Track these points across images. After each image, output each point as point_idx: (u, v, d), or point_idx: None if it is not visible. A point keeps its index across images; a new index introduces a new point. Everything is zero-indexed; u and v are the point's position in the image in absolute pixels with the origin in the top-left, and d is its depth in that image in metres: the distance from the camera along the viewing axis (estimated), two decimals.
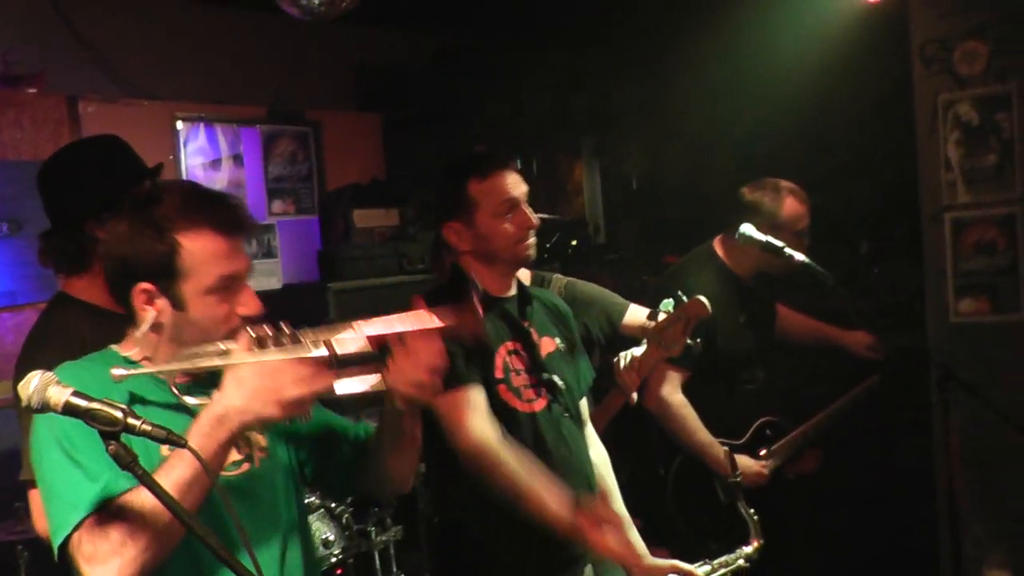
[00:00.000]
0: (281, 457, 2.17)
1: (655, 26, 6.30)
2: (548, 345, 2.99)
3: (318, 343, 1.89)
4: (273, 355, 1.86)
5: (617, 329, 3.55)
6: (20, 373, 1.83)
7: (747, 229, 3.83)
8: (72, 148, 3.16)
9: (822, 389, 4.40)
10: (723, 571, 3.05)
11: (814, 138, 5.89)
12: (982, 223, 4.56)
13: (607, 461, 3.16)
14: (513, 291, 3.01)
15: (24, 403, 1.65)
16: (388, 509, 4.45)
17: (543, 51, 6.89)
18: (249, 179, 6.03)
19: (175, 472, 1.76)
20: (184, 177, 5.64)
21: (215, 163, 5.85)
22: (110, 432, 1.63)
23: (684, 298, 3.05)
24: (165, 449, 1.83)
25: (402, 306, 2.07)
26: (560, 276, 3.71)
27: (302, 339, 1.89)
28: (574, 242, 6.34)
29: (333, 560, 4.16)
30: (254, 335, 1.89)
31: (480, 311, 2.12)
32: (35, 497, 2.37)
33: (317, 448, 2.25)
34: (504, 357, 2.85)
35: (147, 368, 1.97)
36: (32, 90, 4.95)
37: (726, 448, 3.47)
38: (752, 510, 3.12)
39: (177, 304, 1.97)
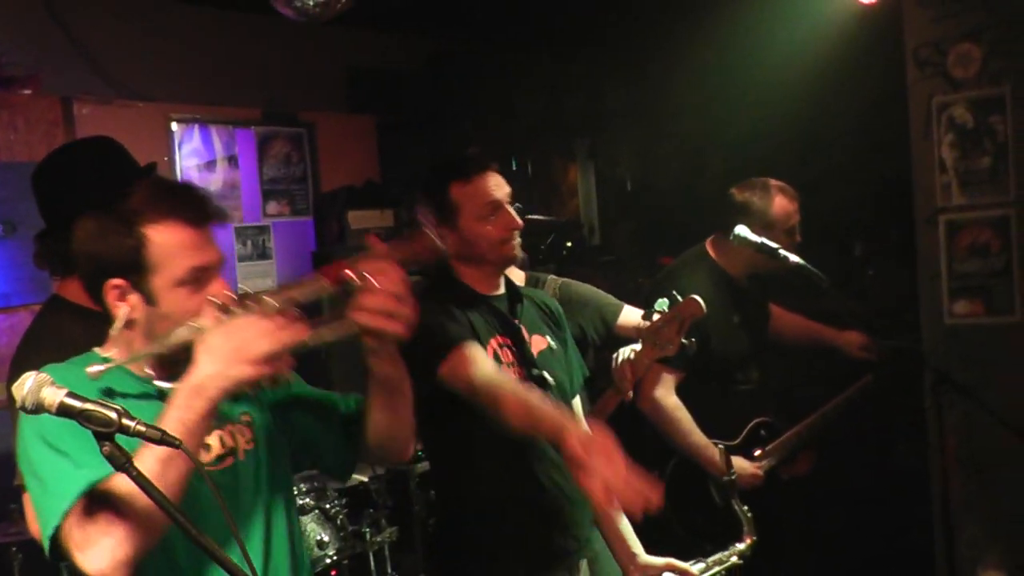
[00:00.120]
0: (270, 448, 2.16)
1: (649, 28, 6.32)
2: (539, 343, 2.99)
3: (280, 298, 1.89)
4: (238, 318, 1.85)
5: (611, 330, 3.55)
6: (13, 375, 1.83)
7: (741, 231, 3.83)
8: (66, 150, 3.15)
9: (816, 390, 4.40)
10: (718, 569, 3.07)
11: (808, 140, 5.91)
12: (976, 225, 4.56)
13: None
14: (502, 290, 3.01)
15: (18, 404, 1.65)
16: (383, 510, 4.45)
17: (537, 53, 6.90)
18: (244, 180, 6.02)
19: (157, 450, 1.74)
20: (179, 179, 5.63)
21: (210, 164, 5.84)
22: (105, 433, 1.62)
23: (679, 298, 3.05)
24: None
25: None
26: (554, 277, 3.71)
27: (266, 298, 1.88)
28: (569, 244, 6.35)
29: (328, 561, 4.16)
30: (218, 303, 1.89)
31: (436, 238, 2.07)
32: (29, 500, 2.37)
33: (310, 428, 2.24)
34: (495, 348, 2.85)
35: (118, 360, 1.96)
36: (26, 91, 4.94)
37: (721, 447, 3.48)
38: (746, 507, 3.15)
39: (149, 299, 1.96)
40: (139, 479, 1.63)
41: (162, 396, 1.90)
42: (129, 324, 1.99)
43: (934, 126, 4.62)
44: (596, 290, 3.70)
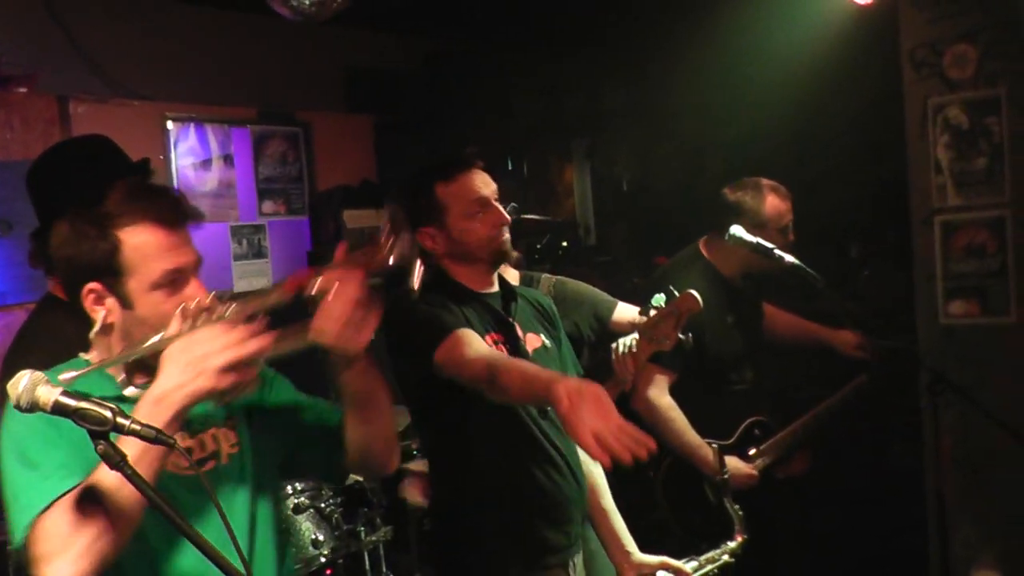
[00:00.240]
0: (256, 453, 2.14)
1: (647, 29, 6.32)
2: (534, 341, 2.99)
3: (247, 307, 1.88)
4: (201, 330, 1.84)
5: (606, 326, 3.56)
6: (7, 373, 1.82)
7: (737, 231, 3.84)
8: (60, 148, 3.16)
9: (812, 390, 4.40)
10: (710, 567, 3.10)
11: (804, 141, 5.91)
12: (972, 226, 4.57)
13: None
14: (496, 288, 3.02)
15: (13, 402, 1.65)
16: (378, 510, 4.45)
17: (534, 54, 6.90)
18: (240, 179, 6.02)
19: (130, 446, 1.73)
20: (175, 177, 5.64)
21: (205, 163, 5.84)
22: (99, 431, 1.62)
23: (676, 293, 3.05)
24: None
25: None
26: (548, 275, 3.72)
27: (234, 306, 1.88)
28: (565, 243, 6.35)
29: (323, 560, 4.15)
30: (183, 314, 1.88)
31: (391, 243, 1.99)
32: None
33: (296, 437, 2.22)
34: (489, 344, 2.85)
35: (90, 368, 1.94)
36: (23, 90, 4.94)
37: (714, 446, 3.49)
38: (737, 506, 3.16)
39: (125, 302, 1.96)
40: (133, 477, 1.63)
41: (134, 403, 1.89)
42: (107, 328, 1.99)
43: (930, 127, 4.62)
44: (590, 287, 3.70)
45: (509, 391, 2.51)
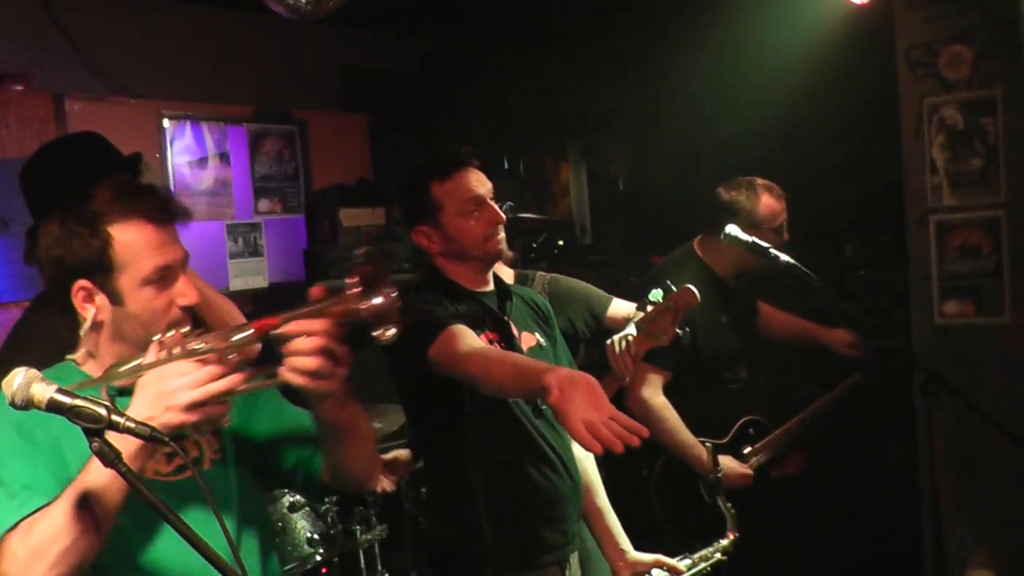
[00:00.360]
0: (240, 460, 2.13)
1: (643, 29, 6.32)
2: (528, 340, 3.00)
3: (222, 342, 1.86)
4: (177, 360, 1.84)
5: (601, 322, 3.56)
6: (1, 371, 1.82)
7: (733, 230, 3.84)
8: (53, 145, 3.16)
9: (807, 389, 4.41)
10: (704, 565, 3.11)
11: (800, 141, 5.91)
12: (967, 226, 4.58)
13: (591, 456, 3.17)
14: (490, 287, 3.02)
15: (8, 400, 1.65)
16: (374, 508, 4.45)
17: (531, 53, 6.89)
18: (235, 178, 6.02)
19: (89, 476, 1.75)
20: (170, 176, 5.63)
21: (201, 161, 5.83)
22: (94, 429, 1.62)
23: (673, 288, 3.05)
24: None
25: None
26: (543, 273, 3.72)
27: (209, 342, 1.87)
28: (560, 242, 6.36)
29: (318, 559, 4.15)
30: (159, 344, 1.88)
31: (361, 293, 1.88)
32: None
33: (276, 450, 2.19)
34: (484, 343, 2.85)
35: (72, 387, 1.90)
36: (18, 88, 4.93)
37: (708, 445, 3.49)
38: (729, 504, 3.17)
39: (115, 299, 1.97)
40: (128, 475, 1.64)
41: None
42: (96, 326, 1.99)
43: (925, 127, 4.63)
44: (585, 284, 3.71)
45: (502, 384, 2.51)
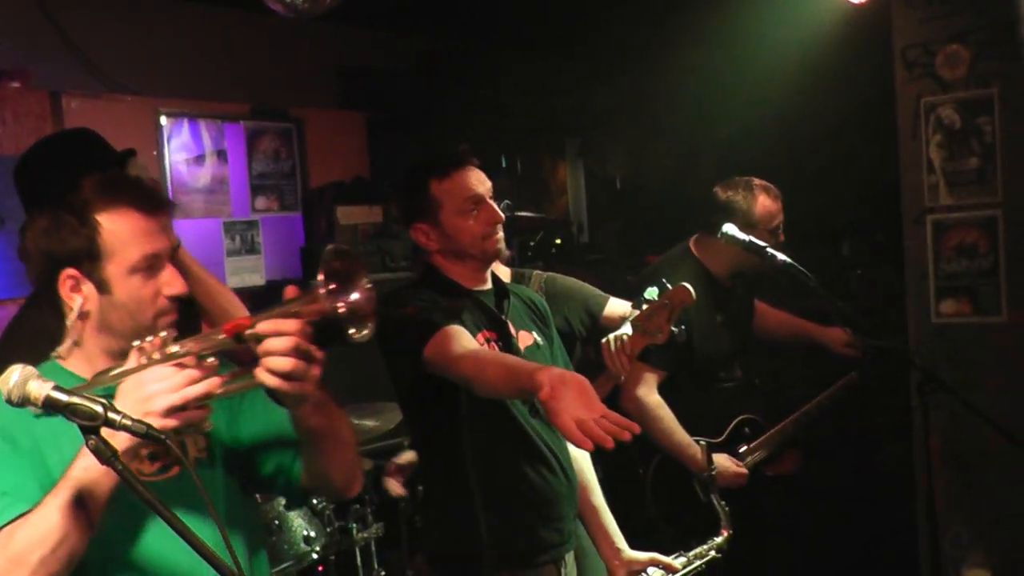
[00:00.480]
0: (226, 459, 2.12)
1: (639, 28, 6.32)
2: (526, 339, 3.00)
3: (200, 346, 1.85)
4: (156, 365, 1.82)
5: (598, 321, 3.56)
6: None
7: (730, 229, 3.84)
8: (46, 142, 3.16)
9: (803, 389, 4.42)
10: (698, 563, 3.11)
11: (797, 140, 5.93)
12: (964, 225, 4.58)
13: (587, 455, 3.17)
14: (488, 285, 3.02)
15: (4, 397, 1.65)
16: (370, 506, 4.45)
17: (528, 52, 6.90)
18: (233, 175, 6.01)
19: (75, 475, 1.75)
20: (168, 173, 5.63)
21: (198, 159, 5.83)
22: (90, 427, 1.62)
23: (669, 285, 3.05)
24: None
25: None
26: (540, 272, 3.72)
27: (186, 346, 1.85)
28: (558, 241, 6.37)
29: (314, 557, 4.15)
30: (139, 351, 1.86)
31: (323, 294, 1.81)
32: None
33: (258, 454, 2.17)
34: (481, 342, 2.85)
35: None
36: (15, 85, 4.92)
37: (702, 443, 3.49)
38: (723, 502, 3.18)
39: (103, 288, 1.96)
40: (124, 472, 1.64)
41: None
42: (83, 315, 1.98)
43: (922, 127, 4.63)
44: (582, 283, 3.71)
45: (496, 385, 2.52)
